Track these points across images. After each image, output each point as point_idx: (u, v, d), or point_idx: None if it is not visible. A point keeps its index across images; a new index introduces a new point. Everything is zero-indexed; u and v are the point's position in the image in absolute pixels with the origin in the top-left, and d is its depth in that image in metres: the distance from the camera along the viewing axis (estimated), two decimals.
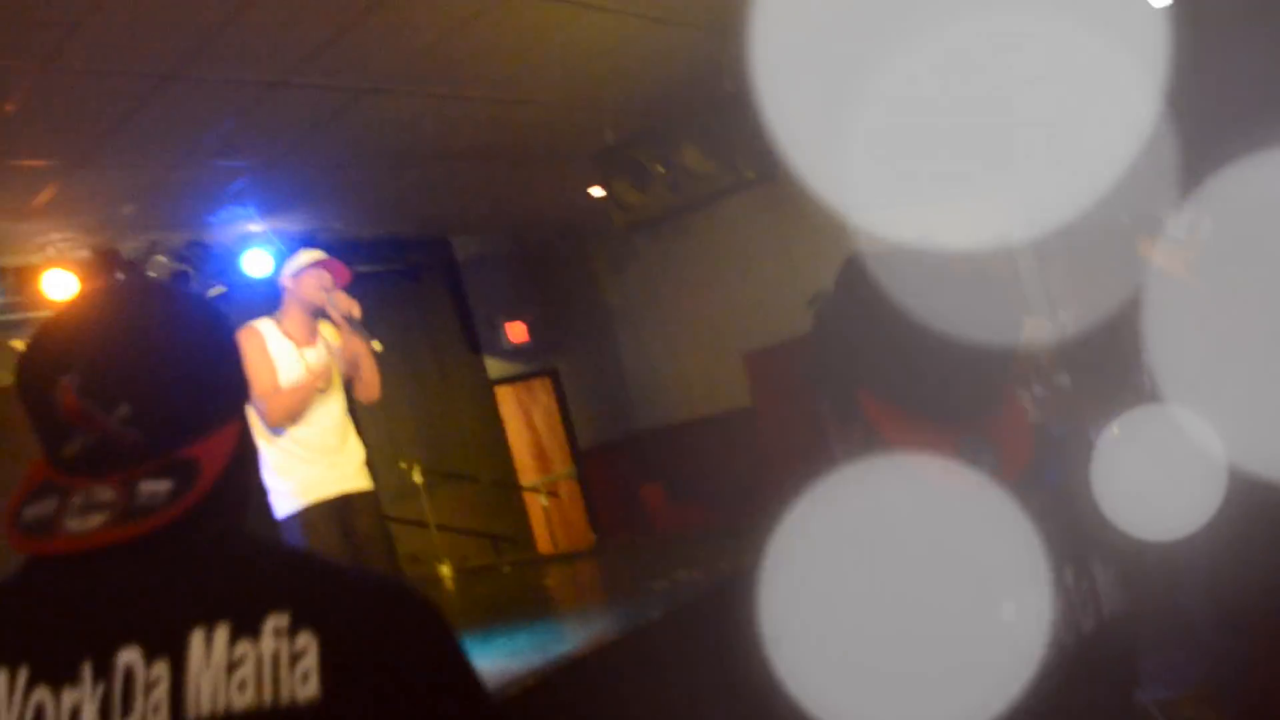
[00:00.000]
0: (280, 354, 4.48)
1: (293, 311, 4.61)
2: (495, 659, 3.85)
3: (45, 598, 1.09)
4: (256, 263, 7.42)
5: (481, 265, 9.54)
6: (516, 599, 6.17)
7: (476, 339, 9.34)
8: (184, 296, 1.24)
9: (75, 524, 1.07)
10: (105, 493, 1.08)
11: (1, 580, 1.12)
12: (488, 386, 9.30)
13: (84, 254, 6.67)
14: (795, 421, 8.87)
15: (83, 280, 6.49)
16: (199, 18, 4.34)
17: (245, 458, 1.21)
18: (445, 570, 7.22)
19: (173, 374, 1.14)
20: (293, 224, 7.69)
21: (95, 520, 1.07)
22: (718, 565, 4.50)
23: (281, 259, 7.25)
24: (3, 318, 6.54)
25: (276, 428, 4.39)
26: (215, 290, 7.40)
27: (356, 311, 4.59)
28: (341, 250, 8.14)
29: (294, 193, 7.06)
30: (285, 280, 4.66)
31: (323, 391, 4.54)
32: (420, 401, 8.71)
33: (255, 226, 7.47)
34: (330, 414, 4.58)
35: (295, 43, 4.78)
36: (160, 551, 1.08)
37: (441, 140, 6.67)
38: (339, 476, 4.54)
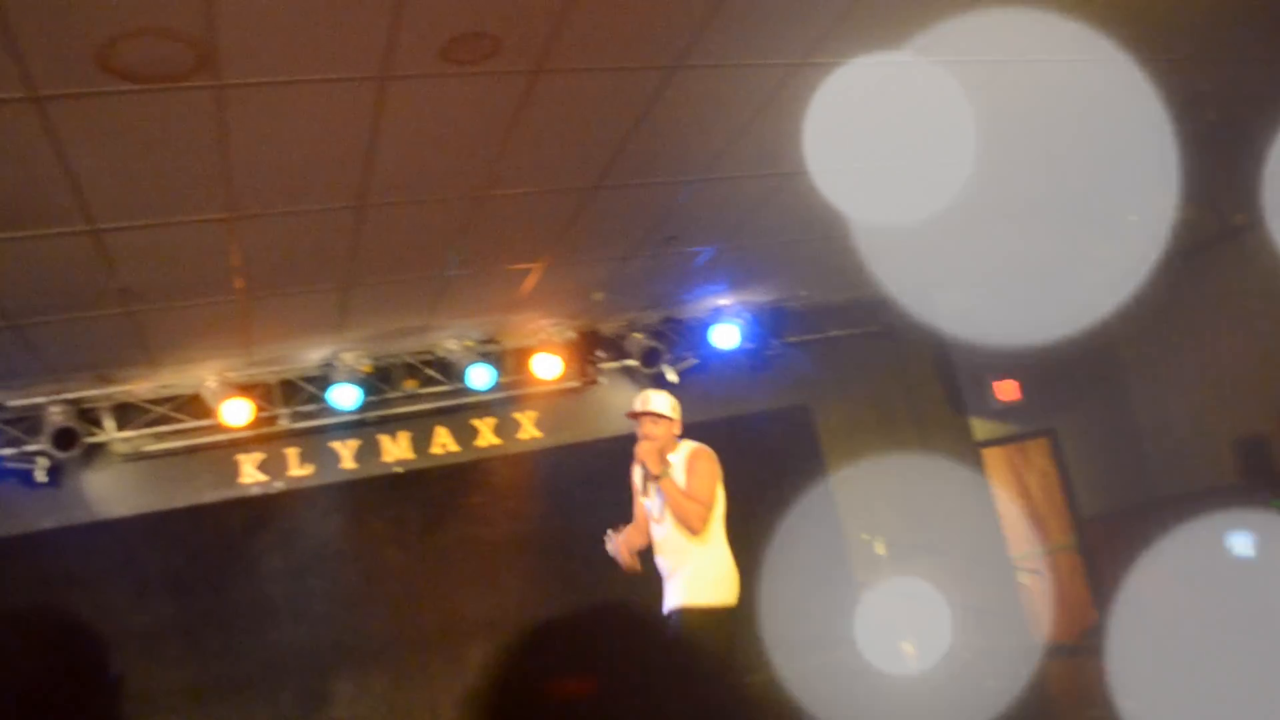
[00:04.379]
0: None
1: None
2: None
3: None
4: (725, 336, 7.76)
5: (967, 321, 9.10)
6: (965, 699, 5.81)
7: (961, 399, 8.93)
8: None
9: None
10: None
11: None
12: (973, 450, 8.84)
13: (569, 335, 7.44)
14: None
15: (566, 362, 7.25)
16: (602, 136, 4.69)
17: None
18: (909, 649, 6.97)
19: None
20: (760, 295, 7.93)
21: None
22: None
23: (749, 331, 7.55)
24: (503, 394, 7.52)
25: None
26: (686, 363, 7.86)
27: (644, 458, 4.95)
28: (811, 316, 8.29)
29: (755, 266, 7.28)
30: None
31: (656, 520, 5.04)
32: (898, 467, 8.49)
33: (724, 300, 7.83)
34: (661, 538, 5.00)
35: (698, 147, 4.97)
36: None
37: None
38: (673, 593, 4.89)
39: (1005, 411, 8.94)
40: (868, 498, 8.28)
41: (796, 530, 7.84)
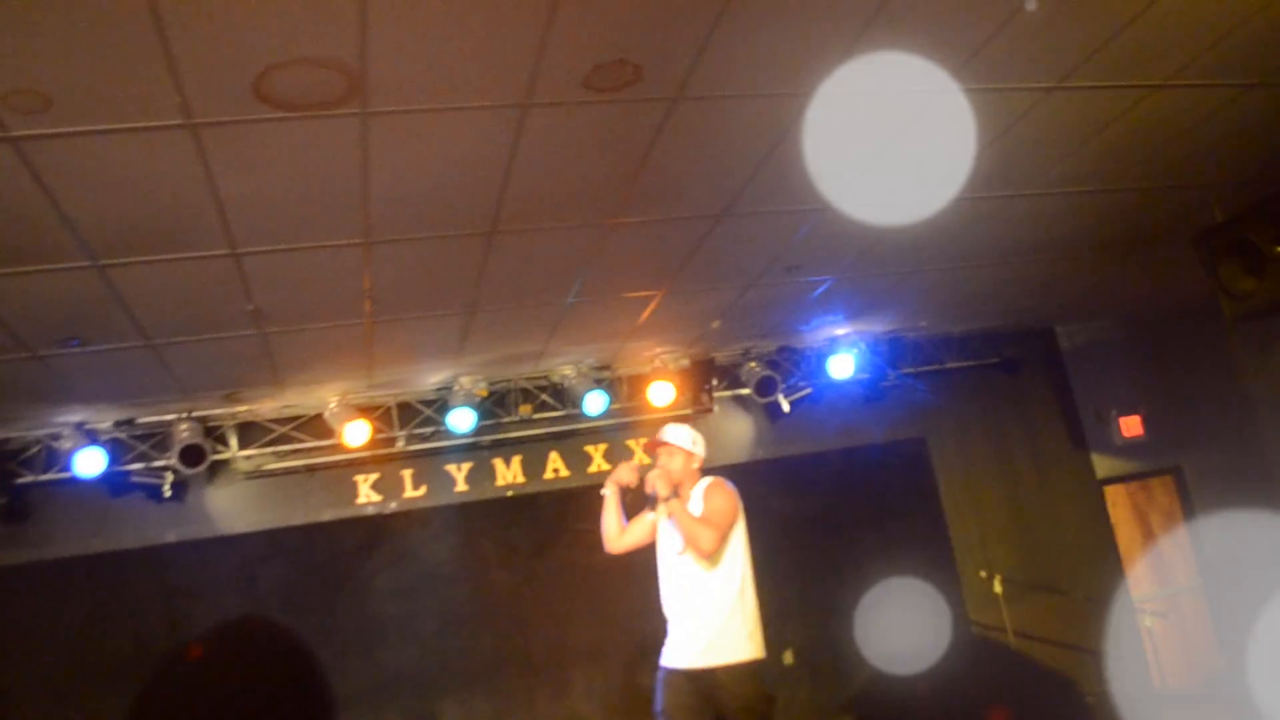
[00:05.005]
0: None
1: None
2: None
3: None
4: (841, 365, 7.65)
5: (1089, 354, 8.85)
6: None
7: (1082, 434, 8.67)
8: None
9: None
10: None
11: None
12: (1094, 487, 8.56)
13: (684, 363, 7.40)
14: None
15: (680, 390, 7.20)
16: (734, 165, 4.65)
17: None
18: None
19: None
20: (877, 325, 7.80)
21: None
22: None
23: (865, 362, 7.42)
24: (616, 421, 7.50)
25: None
26: (801, 393, 7.76)
27: (653, 481, 4.81)
28: (930, 348, 8.15)
29: (874, 297, 7.17)
30: None
31: (664, 550, 4.85)
32: (1015, 503, 8.28)
33: (841, 330, 7.72)
34: (675, 578, 4.77)
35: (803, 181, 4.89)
36: None
37: (1015, 237, 6.36)
38: (693, 647, 4.61)
39: (1128, 448, 8.65)
40: (984, 533, 8.08)
41: (909, 565, 7.68)
